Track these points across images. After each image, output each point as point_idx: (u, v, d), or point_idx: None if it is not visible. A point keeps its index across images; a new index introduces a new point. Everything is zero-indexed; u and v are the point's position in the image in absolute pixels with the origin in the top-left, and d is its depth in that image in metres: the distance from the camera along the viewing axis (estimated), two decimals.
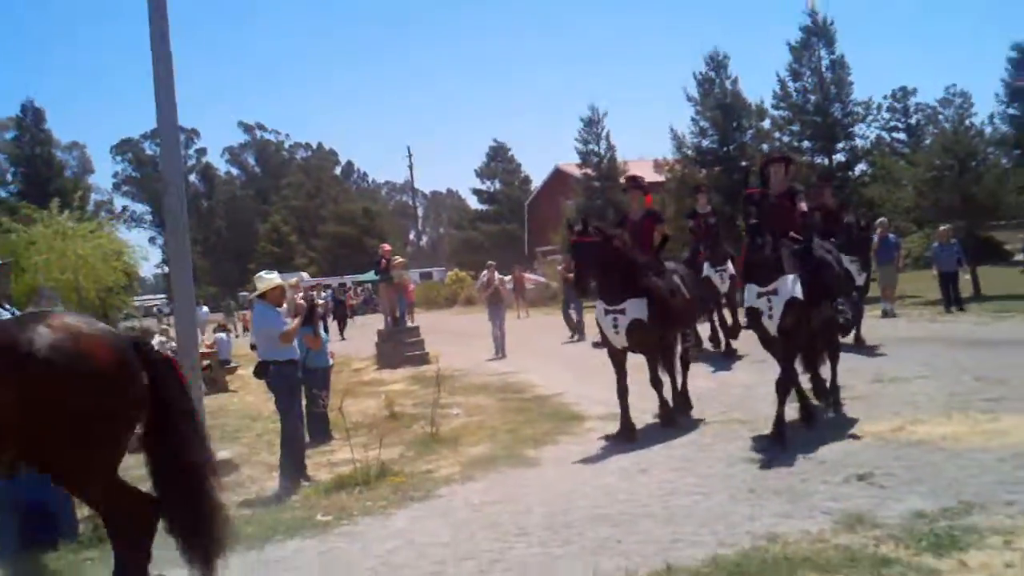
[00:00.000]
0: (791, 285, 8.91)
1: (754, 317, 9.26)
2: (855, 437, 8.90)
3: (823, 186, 16.33)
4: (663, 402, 10.40)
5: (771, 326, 9.06)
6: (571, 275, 15.87)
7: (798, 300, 8.90)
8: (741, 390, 12.12)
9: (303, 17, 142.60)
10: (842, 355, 10.67)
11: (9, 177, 62.67)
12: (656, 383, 10.29)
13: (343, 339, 31.88)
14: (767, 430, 9.08)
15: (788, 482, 7.51)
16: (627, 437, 9.82)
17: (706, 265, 16.07)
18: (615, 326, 9.94)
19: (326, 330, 31.50)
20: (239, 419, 14.23)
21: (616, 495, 7.66)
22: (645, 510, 7.14)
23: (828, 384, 10.31)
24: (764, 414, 9.64)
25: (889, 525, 6.12)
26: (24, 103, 63.81)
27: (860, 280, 14.92)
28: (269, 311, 9.74)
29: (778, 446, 8.63)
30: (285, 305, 10.45)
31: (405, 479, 8.93)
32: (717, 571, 5.59)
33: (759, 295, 9.08)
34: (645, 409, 10.48)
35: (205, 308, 33.04)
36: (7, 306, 7.86)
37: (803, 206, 9.74)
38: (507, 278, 30.70)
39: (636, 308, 9.91)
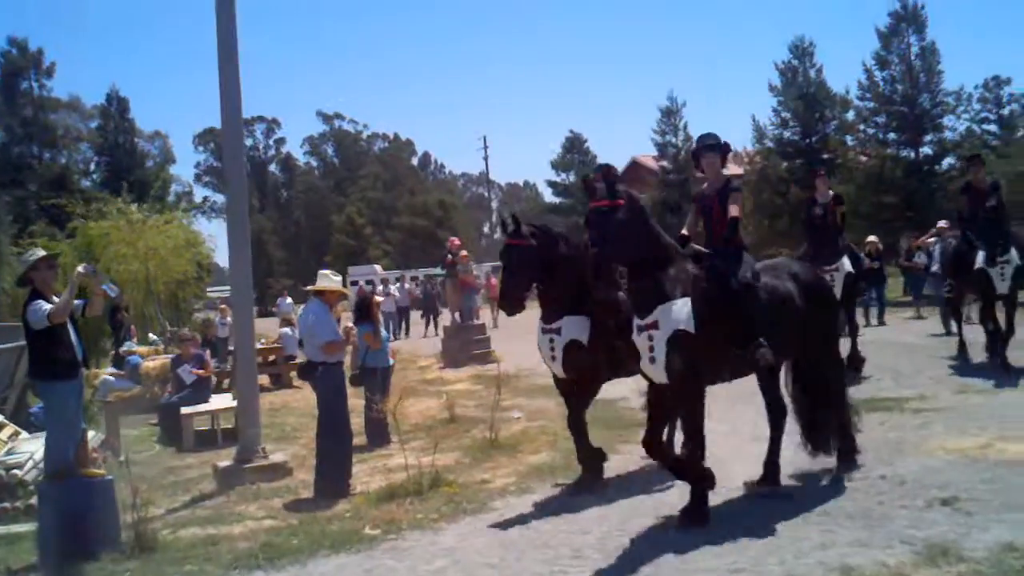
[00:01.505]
0: (677, 313, 6.79)
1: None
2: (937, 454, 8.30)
3: (816, 177, 14.25)
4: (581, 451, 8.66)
5: (653, 372, 6.97)
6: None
7: (685, 332, 6.75)
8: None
9: (383, 7, 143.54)
10: (927, 359, 10.02)
11: (92, 167, 63.79)
12: (574, 426, 8.60)
13: (426, 336, 30.32)
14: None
15: (864, 505, 7.02)
16: (588, 484, 8.35)
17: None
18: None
19: (405, 327, 31.35)
20: (300, 417, 14.04)
21: (677, 514, 7.22)
22: (706, 534, 6.68)
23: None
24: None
25: (975, 559, 5.62)
26: (109, 92, 64.34)
27: (1003, 287, 12.48)
28: (323, 314, 9.45)
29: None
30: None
31: (459, 489, 8.61)
32: None
33: (638, 329, 7.02)
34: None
35: (289, 300, 32.97)
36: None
37: (733, 209, 7.49)
38: None
39: (574, 327, 8.20)
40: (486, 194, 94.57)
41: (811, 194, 14.16)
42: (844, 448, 8.13)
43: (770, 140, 36.11)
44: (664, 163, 44.38)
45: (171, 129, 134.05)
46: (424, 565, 6.59)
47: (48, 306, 7.60)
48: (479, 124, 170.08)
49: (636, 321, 7.00)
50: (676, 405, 7.19)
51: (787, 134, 35.94)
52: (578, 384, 8.56)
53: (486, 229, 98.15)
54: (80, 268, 8.03)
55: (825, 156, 34.85)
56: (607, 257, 6.85)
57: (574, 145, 73.57)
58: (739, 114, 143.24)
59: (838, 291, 12.59)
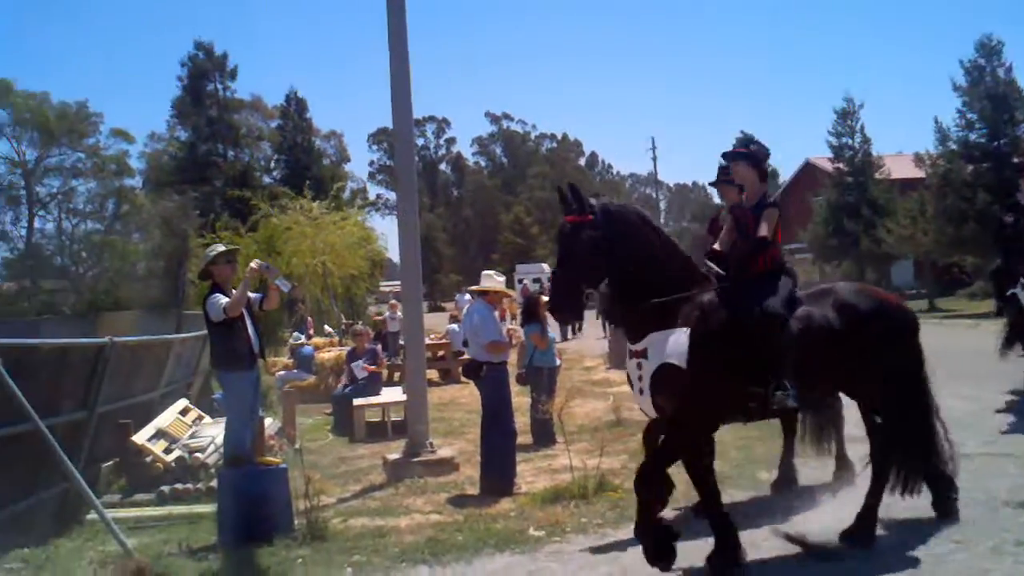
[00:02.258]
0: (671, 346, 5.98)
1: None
2: None
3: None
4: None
5: (642, 404, 6.35)
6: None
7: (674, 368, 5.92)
8: (1010, 417, 10.65)
9: (548, 8, 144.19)
10: None
11: (272, 164, 66.40)
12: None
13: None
14: None
15: None
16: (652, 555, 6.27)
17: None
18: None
19: (577, 326, 31.17)
20: (467, 413, 14.15)
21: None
22: (882, 560, 6.28)
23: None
24: None
25: None
26: (288, 93, 66.85)
27: None
28: (488, 314, 9.49)
29: None
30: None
31: (624, 495, 8.45)
32: None
33: (629, 355, 6.38)
34: None
35: (468, 295, 33.38)
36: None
37: (763, 228, 6.50)
38: None
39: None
40: (654, 195, 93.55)
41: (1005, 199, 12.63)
42: (939, 503, 7.00)
43: (954, 143, 34.32)
44: (840, 165, 42.77)
45: (346, 129, 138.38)
46: (588, 571, 6.48)
47: (225, 300, 7.86)
48: (647, 125, 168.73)
49: (628, 346, 6.39)
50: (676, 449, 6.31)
51: (973, 136, 34.10)
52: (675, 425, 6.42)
53: None
54: (253, 264, 8.28)
55: (1016, 160, 32.92)
56: (566, 280, 6.10)
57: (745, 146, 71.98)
58: (921, 115, 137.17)
59: None
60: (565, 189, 6.26)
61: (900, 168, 41.56)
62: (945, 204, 33.55)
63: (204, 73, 61.77)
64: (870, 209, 40.04)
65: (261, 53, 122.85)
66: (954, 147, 34.33)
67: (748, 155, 6.81)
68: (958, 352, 16.21)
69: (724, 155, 7.14)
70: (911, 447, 6.82)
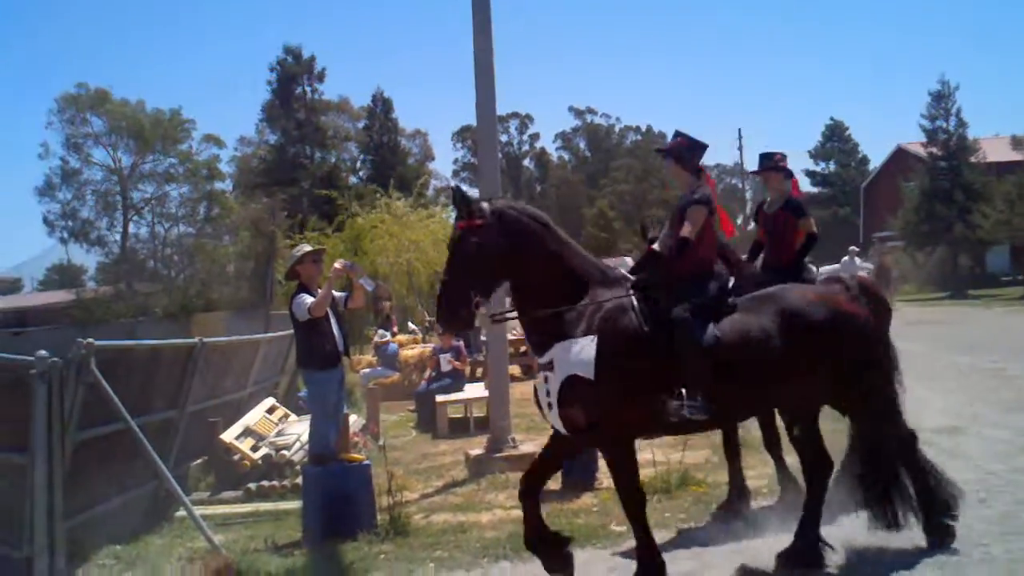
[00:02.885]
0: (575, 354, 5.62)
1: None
2: None
3: None
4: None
5: (551, 419, 5.94)
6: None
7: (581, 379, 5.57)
8: None
9: (631, 2, 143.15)
10: None
11: (358, 164, 67.30)
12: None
13: None
14: None
15: None
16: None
17: None
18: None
19: None
20: None
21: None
22: (982, 551, 6.13)
23: None
24: None
25: None
26: (374, 94, 67.64)
27: None
28: None
29: None
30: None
31: (708, 489, 8.37)
32: None
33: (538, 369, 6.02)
34: None
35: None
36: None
37: (685, 228, 6.12)
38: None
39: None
40: (740, 185, 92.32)
41: None
42: (927, 525, 6.43)
43: None
44: (933, 149, 41.64)
45: (431, 127, 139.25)
46: (670, 566, 6.39)
47: (310, 300, 7.98)
48: (735, 115, 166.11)
49: (535, 359, 6.11)
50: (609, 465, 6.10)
51: None
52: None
53: (739, 220, 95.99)
54: (337, 264, 8.36)
55: None
56: (452, 288, 5.75)
57: (835, 133, 70.65)
58: (1019, 95, 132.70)
59: None
60: (455, 194, 5.95)
61: (997, 151, 40.37)
62: None
63: (293, 76, 62.76)
64: (964, 194, 38.92)
65: (349, 55, 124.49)
66: None
67: (669, 151, 6.55)
68: None
69: (687, 143, 6.53)
70: (878, 467, 6.38)
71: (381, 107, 67.12)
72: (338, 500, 7.75)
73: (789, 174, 7.98)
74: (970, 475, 8.02)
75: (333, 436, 8.16)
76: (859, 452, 6.50)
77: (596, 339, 5.59)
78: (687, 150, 6.48)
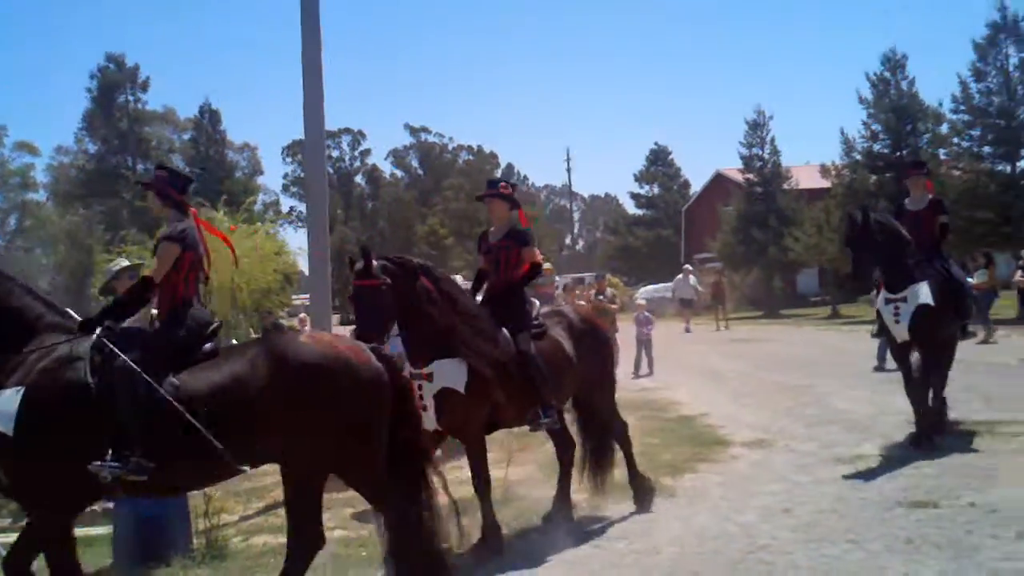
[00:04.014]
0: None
1: None
2: None
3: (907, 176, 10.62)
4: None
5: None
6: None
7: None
8: (902, 419, 10.75)
9: (465, 24, 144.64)
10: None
11: None
12: (479, 485, 7.37)
13: None
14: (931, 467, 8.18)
15: (952, 534, 6.67)
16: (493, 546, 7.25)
17: None
18: (420, 399, 6.80)
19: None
20: None
21: (755, 537, 6.99)
22: (787, 558, 6.45)
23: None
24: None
25: None
26: (202, 105, 65.49)
27: None
28: None
29: None
30: None
31: (530, 504, 8.49)
32: None
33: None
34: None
35: None
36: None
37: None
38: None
39: (447, 373, 6.93)
40: (568, 206, 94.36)
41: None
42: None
43: (859, 153, 35.38)
44: (749, 176, 43.73)
45: (261, 141, 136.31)
46: None
47: None
48: (563, 137, 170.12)
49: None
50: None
51: (877, 147, 35.18)
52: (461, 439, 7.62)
53: (568, 240, 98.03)
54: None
55: (905, 159, 34.11)
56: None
57: (658, 157, 73.06)
58: (828, 127, 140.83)
59: (902, 327, 9.71)
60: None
61: (807, 178, 42.56)
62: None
63: (115, 85, 60.51)
64: (778, 219, 40.92)
65: (175, 65, 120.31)
66: (859, 157, 35.34)
67: (149, 185, 6.22)
68: (856, 356, 16.80)
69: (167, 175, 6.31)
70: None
71: (208, 118, 65.31)
72: (151, 523, 7.42)
73: (515, 204, 7.96)
74: (776, 486, 8.50)
75: None
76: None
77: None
78: (167, 183, 6.14)
